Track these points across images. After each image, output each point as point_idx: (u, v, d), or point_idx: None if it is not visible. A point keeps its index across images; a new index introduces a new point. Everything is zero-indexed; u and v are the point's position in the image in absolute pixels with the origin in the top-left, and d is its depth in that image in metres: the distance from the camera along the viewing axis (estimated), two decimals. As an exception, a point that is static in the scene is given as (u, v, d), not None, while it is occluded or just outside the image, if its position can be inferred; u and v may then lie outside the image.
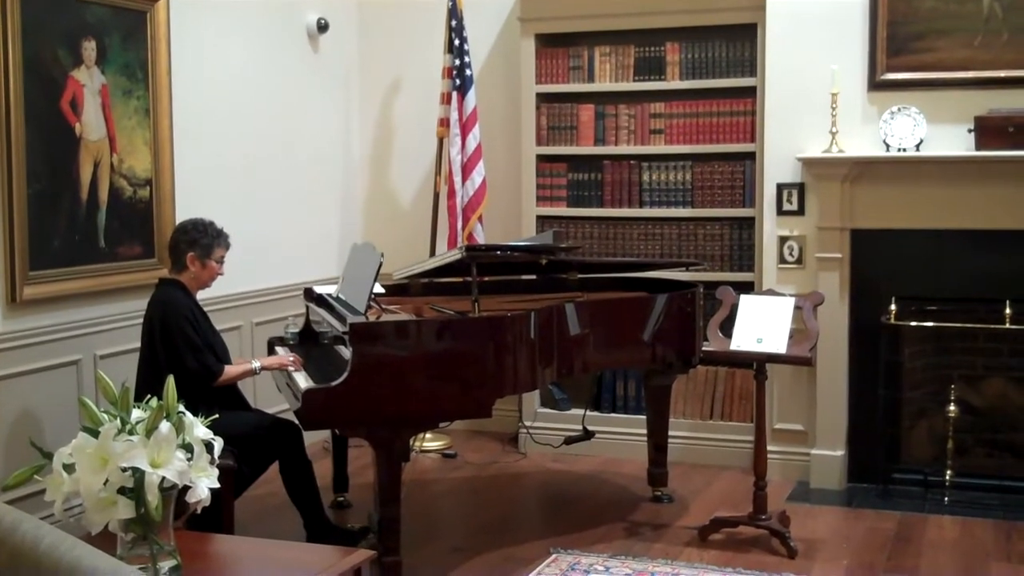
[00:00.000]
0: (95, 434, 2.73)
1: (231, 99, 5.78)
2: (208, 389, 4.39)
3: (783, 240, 5.63)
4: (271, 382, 5.12)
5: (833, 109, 5.37)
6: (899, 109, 5.34)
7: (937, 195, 5.35)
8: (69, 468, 2.74)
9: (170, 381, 2.85)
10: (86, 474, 2.69)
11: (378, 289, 4.66)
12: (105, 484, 2.69)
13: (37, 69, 4.52)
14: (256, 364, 4.59)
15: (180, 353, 4.36)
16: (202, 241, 4.53)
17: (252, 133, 5.96)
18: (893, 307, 5.45)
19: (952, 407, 5.50)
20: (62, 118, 4.66)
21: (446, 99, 6.34)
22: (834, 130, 5.39)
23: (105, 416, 2.78)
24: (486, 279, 5.25)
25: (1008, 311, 5.23)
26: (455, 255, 4.69)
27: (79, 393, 4.65)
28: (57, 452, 2.78)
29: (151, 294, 4.59)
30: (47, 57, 4.57)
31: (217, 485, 2.87)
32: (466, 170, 6.25)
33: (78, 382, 4.78)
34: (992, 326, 5.35)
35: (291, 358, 4.68)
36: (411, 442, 4.35)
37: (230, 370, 4.52)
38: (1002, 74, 5.23)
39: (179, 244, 4.54)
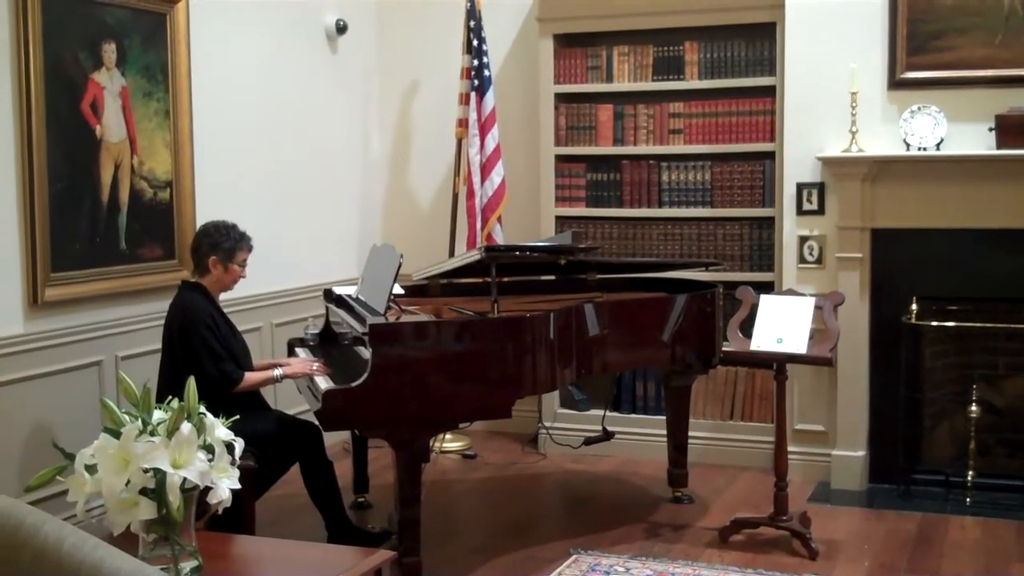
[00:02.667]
0: (117, 435, 2.74)
1: (250, 101, 5.80)
2: (228, 394, 4.39)
3: (803, 240, 5.61)
4: (291, 383, 5.13)
5: (853, 108, 5.35)
6: (919, 108, 5.31)
7: (958, 194, 5.31)
8: (91, 469, 2.75)
9: (191, 382, 2.85)
10: (108, 475, 2.70)
11: (397, 290, 4.65)
12: (127, 485, 2.69)
13: (58, 72, 4.54)
14: (278, 372, 4.57)
15: (200, 360, 4.35)
16: (224, 244, 4.52)
17: (271, 134, 5.97)
18: (914, 307, 5.42)
19: (974, 407, 5.46)
20: (83, 120, 4.68)
21: (464, 100, 6.34)
22: (854, 129, 5.36)
23: (127, 417, 2.79)
24: (505, 280, 5.26)
25: (1030, 310, 5.21)
26: (474, 256, 4.69)
27: (101, 394, 4.67)
28: (79, 453, 2.79)
29: (172, 297, 4.60)
30: (68, 60, 4.59)
31: (238, 486, 2.87)
32: (485, 170, 6.25)
33: (100, 383, 4.80)
34: (1014, 326, 5.32)
35: (315, 365, 4.64)
36: (431, 443, 4.35)
37: (250, 377, 4.51)
38: (1023, 72, 5.20)
39: (201, 247, 4.54)
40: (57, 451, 2.85)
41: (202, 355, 4.37)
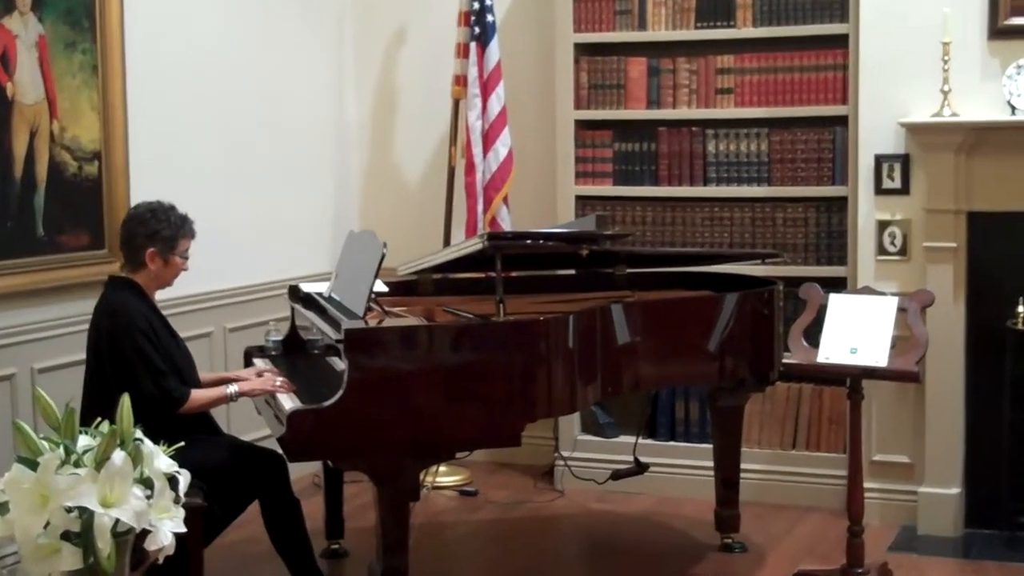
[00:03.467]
0: (33, 466, 2.74)
1: (198, 53, 5.80)
2: (170, 415, 4.39)
3: (883, 225, 5.61)
4: (248, 402, 5.13)
5: (945, 62, 5.33)
6: (1028, 62, 5.32)
7: (1076, 169, 5.33)
8: (1, 508, 2.75)
9: (125, 400, 2.86)
10: (23, 515, 2.70)
11: (380, 287, 4.66)
12: (46, 527, 2.69)
13: (-40, 17, 4.56)
14: (232, 388, 4.57)
15: (135, 375, 4.33)
16: (163, 233, 4.51)
17: (224, 96, 5.98)
18: (1021, 308, 5.41)
19: (1095, 433, 5.47)
20: (-9, 77, 4.70)
21: (463, 52, 6.34)
22: (946, 88, 5.36)
23: (45, 444, 2.80)
24: (513, 275, 5.25)
25: None
26: (475, 245, 4.69)
27: (13, 416, 4.68)
28: (-14, 488, 2.80)
29: (98, 297, 4.59)
30: (-28, 2, 4.61)
31: (183, 529, 2.88)
32: (488, 139, 6.25)
33: (12, 402, 4.81)
34: None
35: (279, 380, 4.64)
36: (421, 477, 4.35)
37: (198, 396, 4.50)
38: None
39: (135, 237, 4.52)
40: (-41, 485, 2.86)
41: (138, 369, 4.37)
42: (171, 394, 4.42)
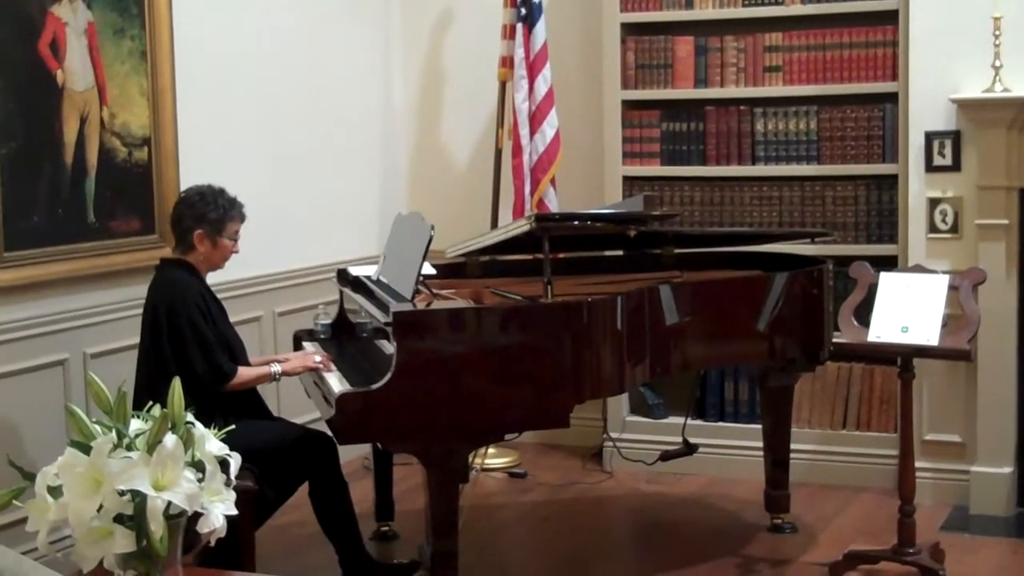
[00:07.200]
0: (86, 450, 2.76)
1: (245, 38, 5.83)
2: (221, 394, 4.44)
3: (934, 203, 5.57)
4: (298, 385, 5.16)
5: (996, 37, 5.29)
6: (1081, 36, 5.26)
7: None
8: (55, 491, 2.77)
9: (176, 384, 2.87)
10: (76, 498, 2.72)
11: (428, 270, 4.67)
12: (99, 511, 2.71)
13: (9, 5, 4.58)
14: (276, 368, 4.63)
15: (186, 349, 4.42)
16: (211, 215, 4.56)
17: (271, 80, 6.00)
18: (1075, 286, 5.38)
19: None
20: (40, 64, 4.72)
21: (509, 33, 6.33)
22: (998, 64, 5.31)
23: (98, 428, 2.81)
24: (561, 256, 5.25)
25: None
26: (522, 226, 4.70)
27: (66, 400, 4.73)
28: (40, 472, 2.82)
29: (152, 278, 4.64)
30: (22, -10, 4.64)
31: (234, 511, 2.89)
32: (535, 121, 6.25)
33: (65, 386, 4.86)
34: None
35: (318, 357, 4.69)
36: (470, 459, 4.36)
37: (244, 372, 4.56)
38: None
39: (183, 219, 4.59)
40: (13, 470, 2.88)
41: (190, 343, 4.43)
42: (221, 368, 4.48)
